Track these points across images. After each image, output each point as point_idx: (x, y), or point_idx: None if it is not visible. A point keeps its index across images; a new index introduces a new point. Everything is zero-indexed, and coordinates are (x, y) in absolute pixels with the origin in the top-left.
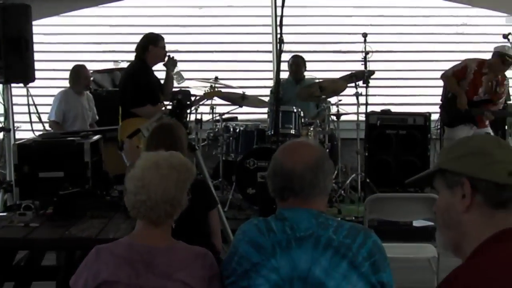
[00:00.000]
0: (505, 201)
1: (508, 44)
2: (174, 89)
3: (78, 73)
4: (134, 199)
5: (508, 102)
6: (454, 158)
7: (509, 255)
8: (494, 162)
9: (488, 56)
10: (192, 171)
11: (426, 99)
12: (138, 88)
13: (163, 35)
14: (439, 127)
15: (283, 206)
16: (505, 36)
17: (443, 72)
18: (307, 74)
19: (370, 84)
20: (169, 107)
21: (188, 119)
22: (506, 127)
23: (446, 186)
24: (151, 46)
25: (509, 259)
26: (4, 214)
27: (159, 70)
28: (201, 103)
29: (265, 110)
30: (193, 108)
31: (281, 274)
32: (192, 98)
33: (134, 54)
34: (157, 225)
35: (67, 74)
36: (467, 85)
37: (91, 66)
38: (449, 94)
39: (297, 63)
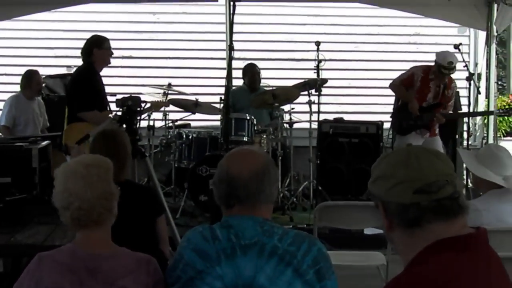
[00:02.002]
0: (416, 219)
1: (448, 51)
2: (124, 95)
3: (30, 78)
4: (69, 211)
5: (459, 111)
6: (371, 181)
7: (442, 265)
8: (397, 183)
9: None
10: (108, 161)
11: (379, 108)
12: (85, 92)
13: (117, 41)
14: (391, 135)
15: (229, 213)
16: (456, 46)
17: (391, 81)
18: (261, 82)
19: (323, 93)
20: (119, 113)
21: (138, 125)
22: (457, 136)
23: (375, 205)
24: (95, 49)
25: (441, 270)
26: None
27: (106, 76)
28: (148, 113)
29: (218, 117)
30: (144, 115)
31: (226, 282)
32: (143, 105)
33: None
34: (101, 224)
35: (19, 79)
36: (415, 92)
37: (43, 71)
38: (400, 101)
39: (254, 72)
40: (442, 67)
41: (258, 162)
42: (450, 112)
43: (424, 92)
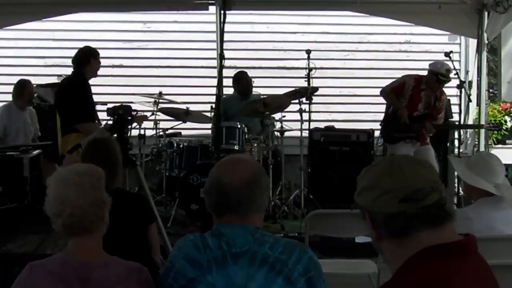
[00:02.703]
0: (403, 228)
1: (442, 60)
2: (115, 104)
3: (22, 88)
4: (61, 219)
5: (450, 119)
6: (357, 192)
7: (430, 272)
8: (383, 193)
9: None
10: (100, 170)
11: (370, 116)
12: (81, 103)
13: (107, 50)
14: (382, 143)
15: (220, 222)
16: (447, 54)
17: (381, 88)
18: (252, 90)
19: (313, 101)
20: (110, 122)
21: (129, 134)
22: (448, 144)
23: (362, 217)
24: (92, 59)
25: (429, 277)
26: None
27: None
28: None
29: (209, 125)
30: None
31: None
32: (133, 113)
33: (72, 67)
34: (93, 232)
35: (9, 88)
36: (405, 101)
37: (34, 80)
38: (390, 110)
39: (246, 79)
40: (441, 75)
41: (249, 170)
42: (440, 123)
43: (415, 102)
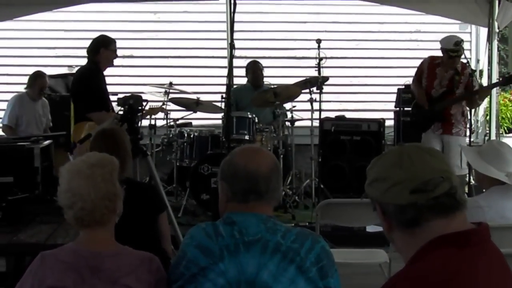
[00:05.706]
0: (414, 219)
1: (450, 35)
2: (125, 94)
3: (34, 79)
4: (73, 211)
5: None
6: (368, 184)
7: (443, 261)
8: (393, 184)
9: None
10: (114, 161)
11: (380, 105)
12: (92, 92)
13: (118, 40)
14: (393, 133)
15: (231, 210)
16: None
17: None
18: (264, 80)
19: (324, 90)
20: (120, 112)
21: (139, 124)
22: None
23: (373, 208)
24: (102, 48)
25: (442, 265)
26: None
27: (107, 76)
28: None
29: (220, 115)
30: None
31: (229, 278)
32: (144, 104)
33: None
34: (104, 224)
35: (20, 79)
36: (425, 80)
37: (45, 71)
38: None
39: (256, 69)
40: (450, 51)
41: (271, 159)
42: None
43: (431, 80)
